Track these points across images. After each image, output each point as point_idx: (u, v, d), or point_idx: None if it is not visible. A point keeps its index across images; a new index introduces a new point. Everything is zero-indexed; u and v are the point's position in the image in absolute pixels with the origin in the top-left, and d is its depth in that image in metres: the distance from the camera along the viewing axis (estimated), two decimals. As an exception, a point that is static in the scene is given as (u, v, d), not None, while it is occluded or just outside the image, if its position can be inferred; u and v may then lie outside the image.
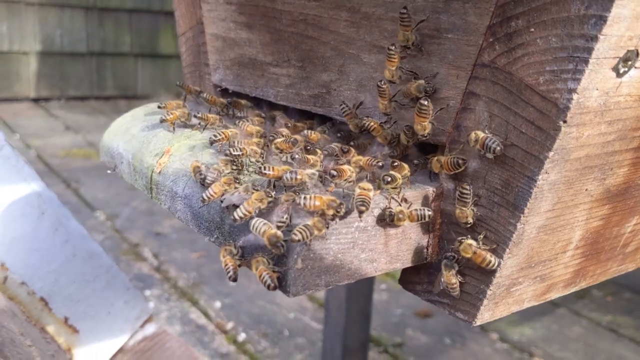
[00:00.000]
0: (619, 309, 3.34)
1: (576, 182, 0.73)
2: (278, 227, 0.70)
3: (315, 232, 0.66)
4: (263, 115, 1.06)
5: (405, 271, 0.87)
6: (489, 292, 0.77)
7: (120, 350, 1.83)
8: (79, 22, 7.35)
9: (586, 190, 0.76)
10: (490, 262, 0.74)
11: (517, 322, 3.12)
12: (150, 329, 1.89)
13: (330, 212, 0.67)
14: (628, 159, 0.77)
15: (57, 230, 1.72)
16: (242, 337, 2.83)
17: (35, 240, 1.66)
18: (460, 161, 0.76)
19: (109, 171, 1.16)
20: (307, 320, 3.00)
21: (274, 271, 0.70)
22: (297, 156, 0.80)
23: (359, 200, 0.69)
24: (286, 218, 0.71)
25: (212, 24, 1.23)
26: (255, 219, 0.71)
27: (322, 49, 0.97)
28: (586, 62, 0.63)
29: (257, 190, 0.75)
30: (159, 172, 0.96)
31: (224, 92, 1.24)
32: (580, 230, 0.81)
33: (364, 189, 0.71)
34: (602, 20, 0.61)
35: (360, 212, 0.69)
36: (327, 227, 0.67)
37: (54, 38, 7.27)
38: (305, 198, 0.71)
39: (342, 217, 0.69)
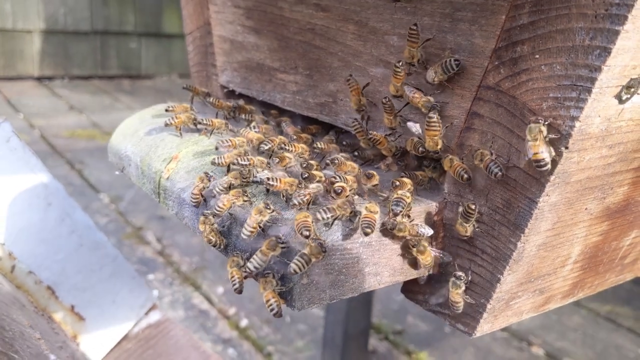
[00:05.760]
0: (618, 299, 3.37)
1: (576, 202, 0.75)
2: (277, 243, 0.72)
3: (313, 260, 0.68)
4: (270, 121, 1.07)
5: (407, 281, 0.89)
6: (488, 306, 0.79)
7: (125, 337, 1.86)
8: (82, 1, 7.33)
9: (586, 209, 0.77)
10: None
11: (516, 311, 3.15)
12: (154, 316, 1.91)
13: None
14: (628, 178, 0.78)
15: (63, 221, 1.74)
16: (244, 322, 2.86)
17: (42, 231, 1.68)
18: (465, 175, 0.77)
19: (117, 172, 1.18)
20: (308, 306, 3.03)
21: (280, 290, 0.71)
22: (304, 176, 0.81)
23: (365, 222, 0.71)
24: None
25: (220, 26, 1.24)
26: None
27: (330, 59, 0.98)
28: (589, 91, 0.64)
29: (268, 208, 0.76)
30: (167, 178, 0.98)
31: (231, 93, 1.25)
32: (580, 246, 0.82)
33: (370, 211, 0.73)
34: (606, 51, 0.62)
35: (366, 234, 0.71)
36: (325, 252, 0.69)
37: (58, 16, 7.24)
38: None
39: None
